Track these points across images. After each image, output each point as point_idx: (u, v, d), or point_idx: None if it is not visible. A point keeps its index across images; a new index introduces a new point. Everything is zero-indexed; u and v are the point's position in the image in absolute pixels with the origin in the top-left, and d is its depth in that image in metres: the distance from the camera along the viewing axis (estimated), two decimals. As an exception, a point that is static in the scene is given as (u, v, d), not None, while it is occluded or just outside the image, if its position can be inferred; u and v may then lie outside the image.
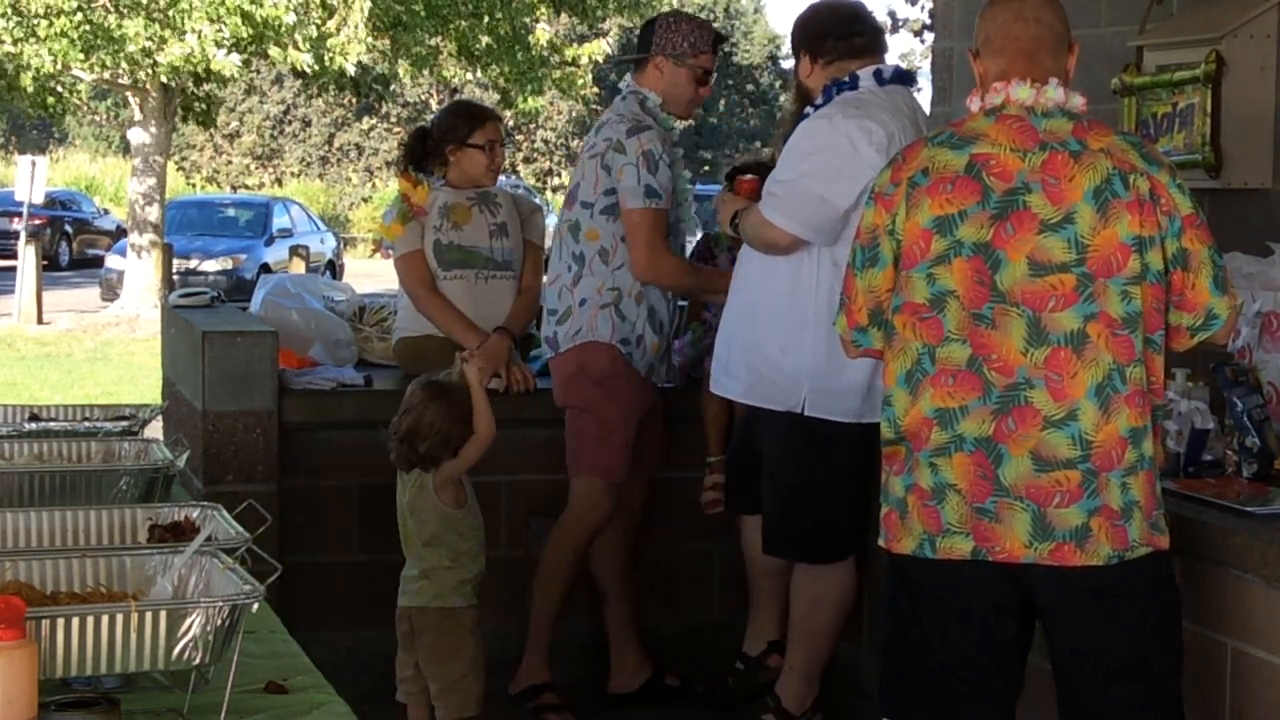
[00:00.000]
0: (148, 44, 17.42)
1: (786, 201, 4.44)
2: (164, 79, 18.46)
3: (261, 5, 17.22)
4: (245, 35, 17.59)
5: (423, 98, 40.31)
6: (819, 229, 4.43)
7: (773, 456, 4.67)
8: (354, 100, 31.88)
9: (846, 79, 4.56)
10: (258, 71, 35.31)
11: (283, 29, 17.52)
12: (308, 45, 17.98)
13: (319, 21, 18.01)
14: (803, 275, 4.51)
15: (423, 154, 5.54)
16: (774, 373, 4.55)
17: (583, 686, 5.22)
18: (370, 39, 18.48)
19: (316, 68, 18.59)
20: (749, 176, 4.89)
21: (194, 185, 41.85)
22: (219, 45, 17.48)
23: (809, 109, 4.63)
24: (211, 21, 17.25)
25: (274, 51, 18.27)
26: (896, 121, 4.46)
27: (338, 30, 18.04)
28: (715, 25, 5.48)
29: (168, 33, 17.41)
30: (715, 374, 4.81)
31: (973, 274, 3.20)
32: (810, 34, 4.69)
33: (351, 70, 18.68)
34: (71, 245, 30.65)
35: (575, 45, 22.66)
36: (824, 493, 4.62)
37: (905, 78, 4.67)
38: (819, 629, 4.74)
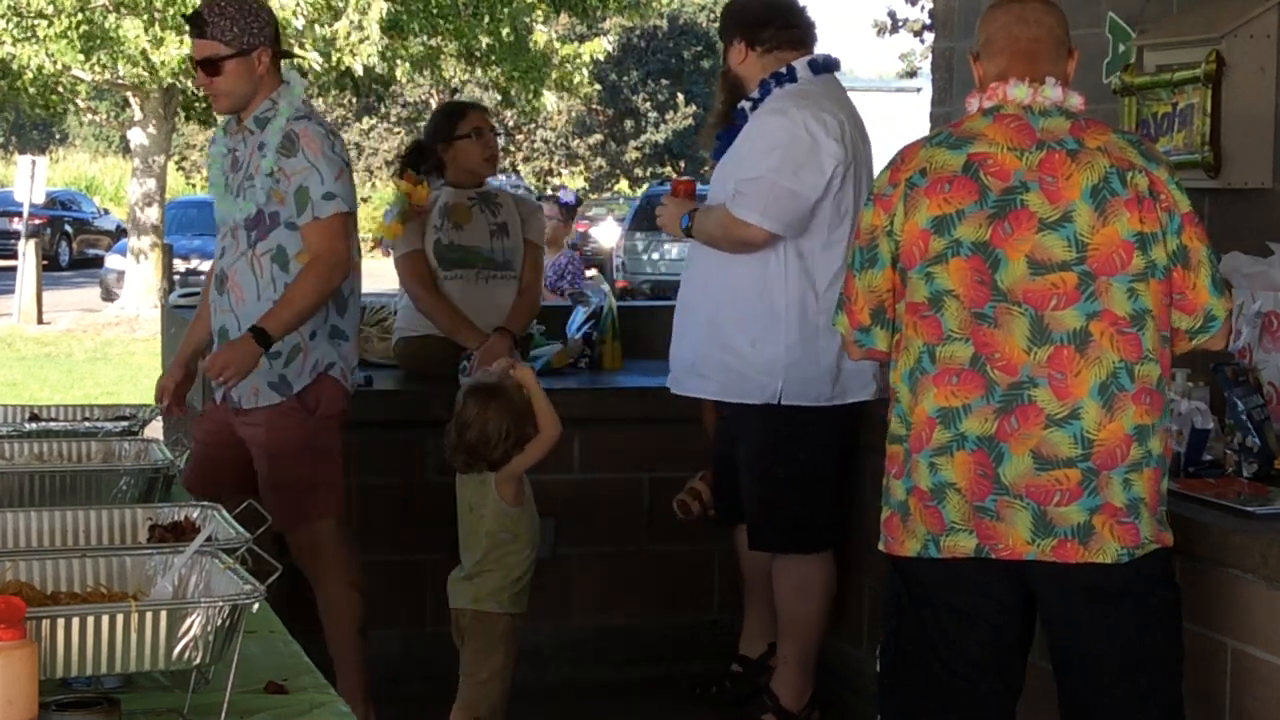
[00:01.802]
0: (147, 45, 17.42)
1: (757, 199, 4.49)
2: (164, 80, 18.45)
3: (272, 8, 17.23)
4: None
5: (423, 98, 40.28)
6: (791, 223, 4.50)
7: (750, 451, 4.70)
8: (354, 100, 31.88)
9: (784, 70, 4.64)
10: (258, 71, 35.26)
11: (290, 32, 17.52)
12: (316, 45, 17.97)
13: (326, 22, 18.00)
14: (770, 269, 4.56)
15: (419, 163, 5.55)
16: (746, 367, 4.59)
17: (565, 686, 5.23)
18: (382, 39, 18.47)
19: (326, 65, 18.59)
20: (685, 178, 4.92)
21: (194, 185, 41.82)
22: None
23: (744, 102, 4.69)
24: None
25: None
26: (842, 110, 4.59)
27: (347, 34, 18.03)
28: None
29: (166, 34, 17.41)
30: (679, 376, 4.80)
31: (972, 273, 3.20)
32: (747, 22, 4.72)
33: (359, 70, 18.68)
34: (71, 245, 30.66)
35: (575, 44, 22.66)
36: (805, 481, 4.65)
37: (833, 66, 4.74)
38: (807, 619, 4.76)
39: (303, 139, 4.41)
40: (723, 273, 4.64)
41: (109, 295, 21.99)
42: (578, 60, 21.65)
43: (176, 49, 17.40)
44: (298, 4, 17.34)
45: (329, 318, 4.49)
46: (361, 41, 18.04)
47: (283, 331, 4.34)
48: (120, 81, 19.50)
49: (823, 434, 4.62)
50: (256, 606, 2.30)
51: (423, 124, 5.79)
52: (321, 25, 17.88)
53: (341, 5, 17.98)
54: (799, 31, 4.72)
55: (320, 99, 27.74)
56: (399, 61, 20.39)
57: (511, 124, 36.93)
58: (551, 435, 4.33)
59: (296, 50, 17.94)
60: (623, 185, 43.88)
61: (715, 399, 4.77)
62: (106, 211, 33.67)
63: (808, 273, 4.54)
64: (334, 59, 18.29)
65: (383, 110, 41.30)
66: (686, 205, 4.76)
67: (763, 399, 4.58)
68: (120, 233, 26.48)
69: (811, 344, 4.32)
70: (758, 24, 4.69)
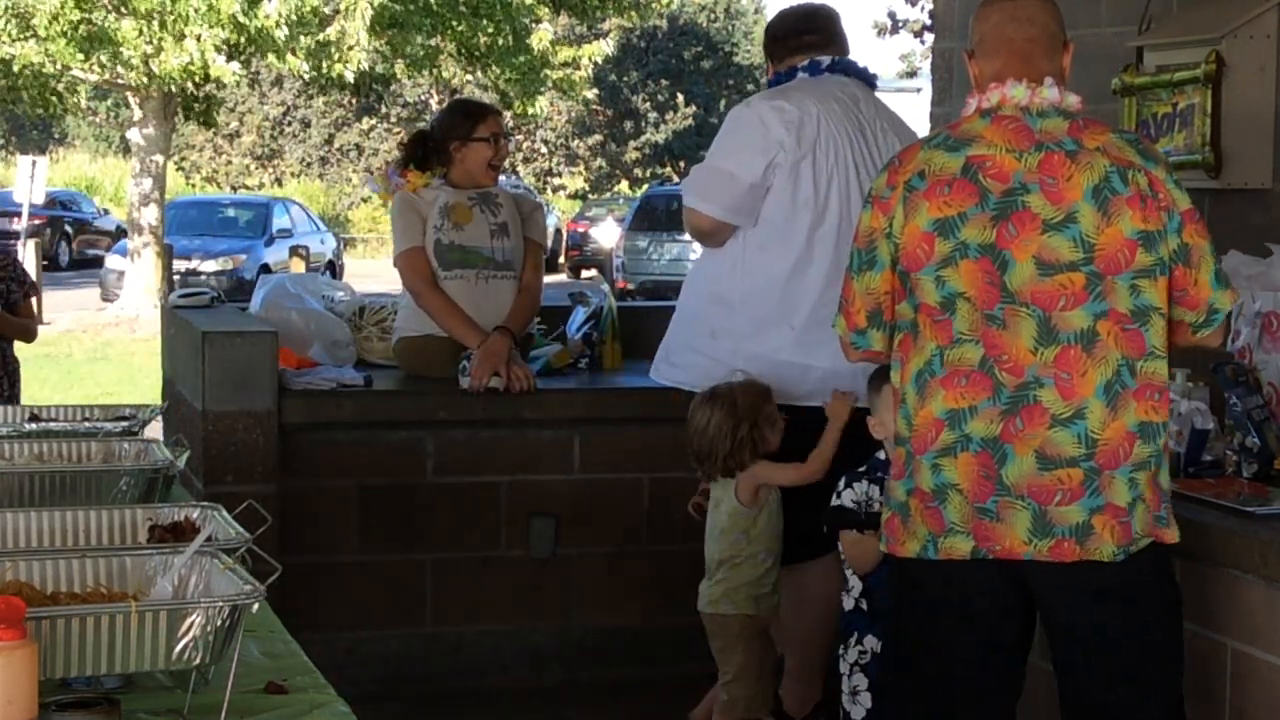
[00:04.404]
0: (146, 49, 17.43)
1: (697, 182, 4.59)
2: (164, 85, 18.46)
3: (255, 17, 17.21)
4: (241, 41, 17.59)
5: (423, 98, 40.31)
6: (733, 208, 4.52)
7: None
8: (354, 100, 31.93)
9: (785, 72, 4.72)
10: (258, 72, 35.29)
11: (277, 40, 17.52)
12: (304, 54, 17.98)
13: (314, 30, 18.00)
14: (728, 261, 4.59)
15: (423, 156, 5.54)
16: (708, 359, 4.62)
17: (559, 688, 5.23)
18: (371, 42, 18.48)
19: (314, 74, 18.60)
20: None
21: (194, 185, 41.83)
22: (218, 50, 17.48)
23: None
24: (211, 27, 17.25)
25: (271, 58, 18.28)
26: (819, 104, 4.53)
27: (338, 39, 18.05)
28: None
29: (165, 37, 17.40)
30: (657, 365, 4.89)
31: (983, 275, 3.20)
32: (769, 38, 4.88)
33: (351, 78, 18.70)
34: (71, 245, 30.67)
35: (574, 46, 22.67)
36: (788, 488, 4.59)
37: (849, 69, 4.74)
38: (807, 631, 4.72)
39: None
40: (698, 266, 4.80)
41: (109, 295, 21.99)
42: (576, 63, 21.64)
43: (176, 58, 17.40)
44: (280, 14, 17.32)
45: None
46: (350, 48, 18.04)
47: None
48: (120, 82, 19.50)
49: (795, 437, 4.43)
50: (256, 606, 2.30)
51: (421, 124, 5.79)
52: (308, 35, 17.87)
53: (329, 13, 17.98)
54: (814, 37, 4.74)
55: (319, 100, 27.76)
56: (399, 61, 20.39)
57: (511, 124, 36.93)
58: (813, 471, 4.32)
59: (289, 58, 17.95)
60: (623, 186, 43.92)
61: (685, 388, 4.75)
62: (106, 212, 33.67)
63: (766, 266, 4.54)
64: (324, 67, 18.27)
65: (383, 110, 41.33)
66: None
67: None
68: (120, 233, 26.48)
69: (768, 336, 4.29)
70: (775, 39, 4.83)
